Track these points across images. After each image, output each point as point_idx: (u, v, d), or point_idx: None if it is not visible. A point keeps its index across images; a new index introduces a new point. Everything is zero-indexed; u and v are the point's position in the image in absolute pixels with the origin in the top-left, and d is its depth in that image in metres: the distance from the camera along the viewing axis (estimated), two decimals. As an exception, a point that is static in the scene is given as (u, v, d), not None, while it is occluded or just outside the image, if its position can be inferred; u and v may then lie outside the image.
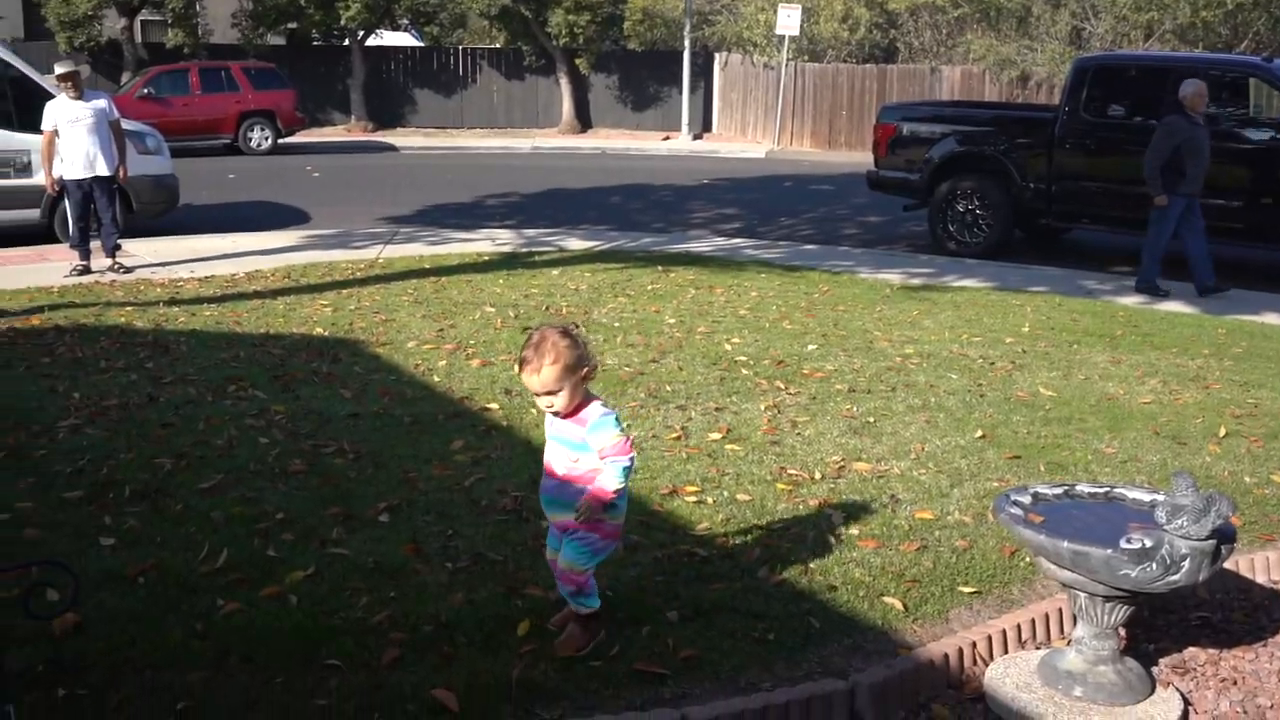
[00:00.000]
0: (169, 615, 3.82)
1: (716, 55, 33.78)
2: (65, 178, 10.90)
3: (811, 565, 4.37)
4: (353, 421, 6.03)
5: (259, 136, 25.72)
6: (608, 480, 3.57)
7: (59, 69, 10.90)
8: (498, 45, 35.91)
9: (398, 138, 30.40)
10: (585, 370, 3.58)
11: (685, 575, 4.25)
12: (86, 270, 10.87)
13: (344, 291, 9.89)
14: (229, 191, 18.48)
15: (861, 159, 24.24)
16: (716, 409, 6.41)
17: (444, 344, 7.85)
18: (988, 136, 13.61)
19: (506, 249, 12.61)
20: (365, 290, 9.94)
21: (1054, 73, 25.32)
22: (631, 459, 3.62)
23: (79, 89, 10.83)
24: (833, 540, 4.61)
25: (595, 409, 3.61)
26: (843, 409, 6.47)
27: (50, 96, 11.94)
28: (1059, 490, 3.84)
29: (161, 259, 11.71)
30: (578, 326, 4.27)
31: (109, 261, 11.04)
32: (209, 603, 3.92)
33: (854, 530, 4.72)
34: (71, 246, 11.17)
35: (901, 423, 6.24)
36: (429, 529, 4.62)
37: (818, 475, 5.36)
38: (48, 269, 11.03)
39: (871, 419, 6.30)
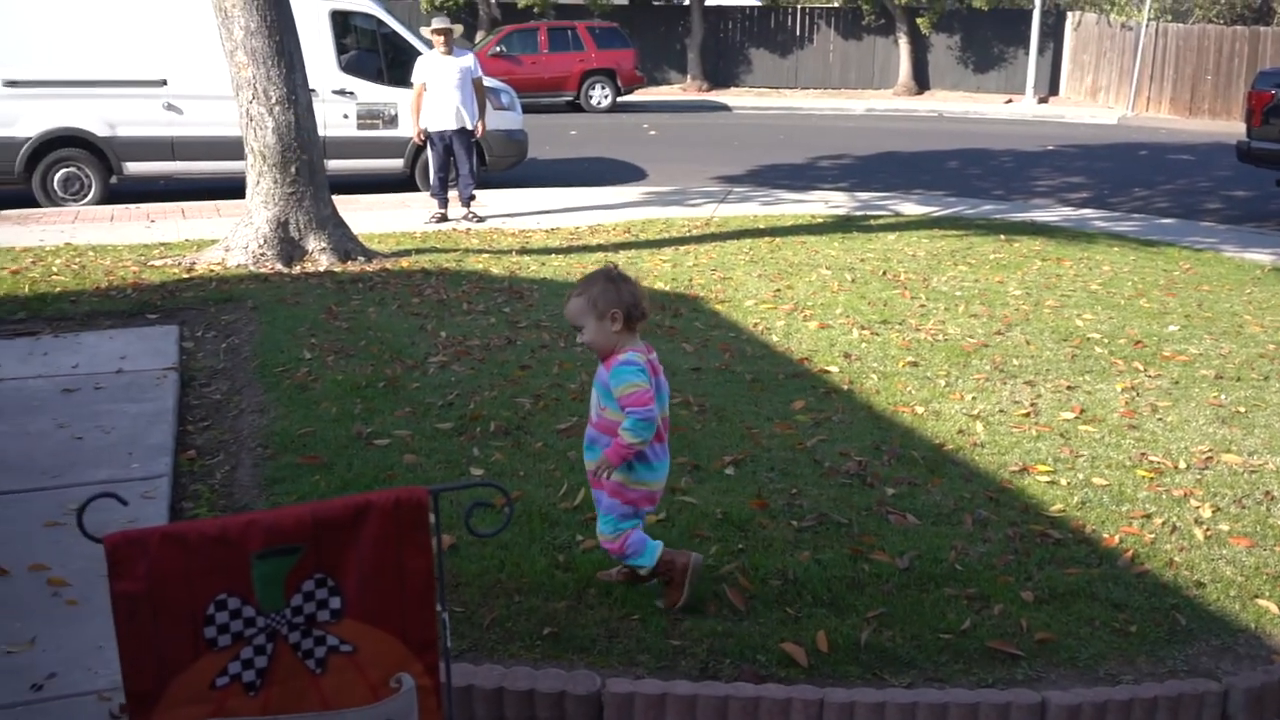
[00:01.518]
0: (533, 545, 4.05)
1: (1069, 14, 32.01)
2: (429, 129, 11.64)
3: (1176, 559, 4.11)
4: (695, 375, 6.16)
5: (599, 94, 26.58)
6: (625, 433, 3.46)
7: (435, 24, 11.60)
8: (835, 4, 35.40)
9: (731, 97, 30.66)
10: (612, 313, 3.47)
11: (1039, 556, 4.10)
12: (444, 218, 11.59)
13: (681, 248, 10.09)
14: (571, 147, 19.21)
15: (1226, 128, 22.42)
16: (1068, 387, 6.12)
17: (781, 304, 7.88)
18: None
19: (840, 211, 12.49)
20: (702, 247, 10.10)
21: None
22: (648, 412, 3.44)
23: (449, 46, 11.51)
24: (1200, 534, 4.32)
25: (623, 356, 3.52)
26: (1209, 396, 6.04)
27: (417, 53, 12.80)
28: None
29: (511, 210, 12.33)
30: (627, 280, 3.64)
31: (464, 211, 11.73)
32: (569, 537, 4.13)
33: (1224, 526, 4.41)
34: (431, 195, 11.93)
35: (1277, 415, 5.76)
36: (773, 485, 4.67)
37: (1182, 464, 5.03)
38: (409, 215, 11.84)
39: (1242, 409, 5.84)
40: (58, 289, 8.06)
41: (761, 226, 11.25)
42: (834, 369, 6.34)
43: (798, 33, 34.11)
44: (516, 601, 3.70)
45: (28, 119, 12.19)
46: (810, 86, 33.59)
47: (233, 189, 11.95)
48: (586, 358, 6.41)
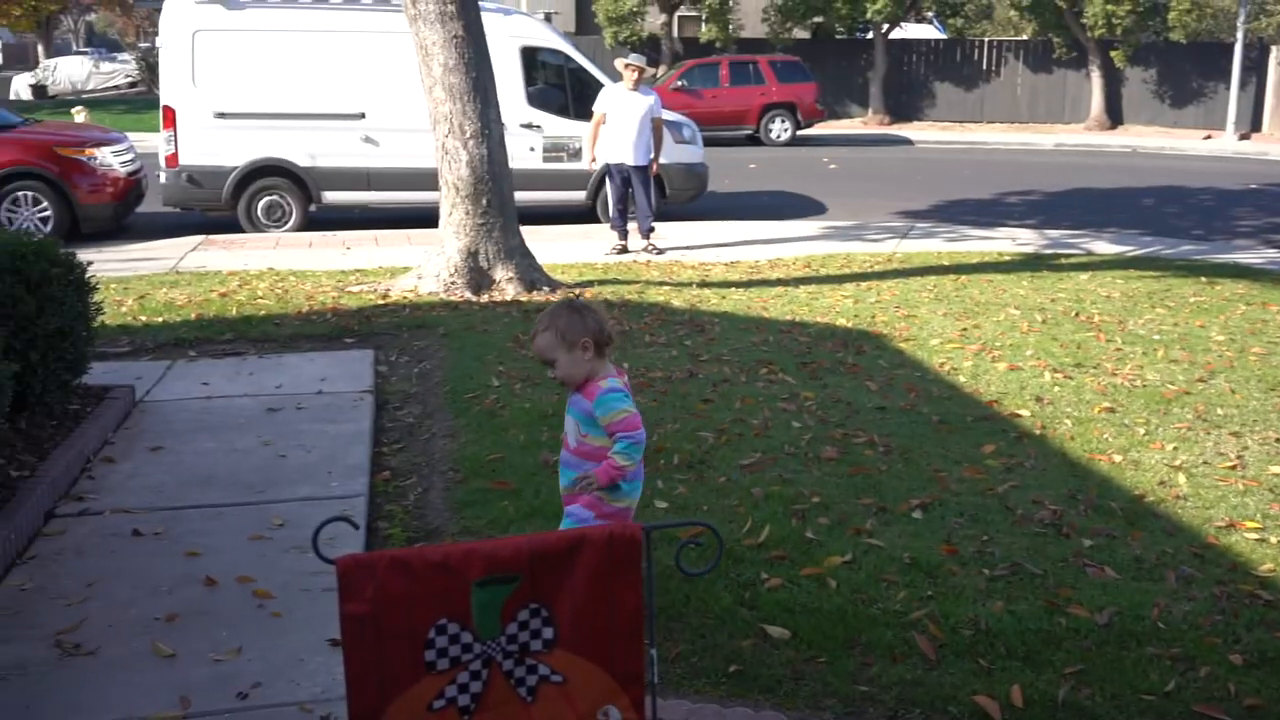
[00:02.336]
0: (718, 582, 4.04)
1: (1272, 49, 30.53)
2: (606, 161, 11.80)
3: (1405, 630, 3.84)
4: (880, 414, 6.07)
5: (779, 128, 26.58)
6: (617, 456, 3.43)
7: (631, 59, 11.77)
8: (1024, 36, 34.64)
9: (914, 130, 30.26)
10: (583, 341, 3.45)
11: (1248, 618, 3.89)
12: (624, 250, 11.74)
13: (863, 284, 9.98)
14: (750, 180, 19.24)
15: None
16: (1278, 439, 5.80)
17: (968, 344, 7.70)
18: None
19: (1029, 249, 12.16)
20: (884, 284, 9.97)
21: None
22: (640, 435, 3.45)
23: (638, 84, 11.68)
24: None
25: (603, 384, 3.50)
26: None
27: (601, 88, 13.05)
28: None
29: (690, 242, 12.42)
30: (616, 317, 3.91)
31: (644, 243, 11.85)
32: (754, 574, 4.11)
33: None
34: (611, 227, 12.10)
35: None
36: (962, 531, 4.55)
37: None
38: (590, 247, 12.03)
39: None
40: (262, 312, 8.48)
41: (946, 263, 11.04)
42: (1025, 412, 6.16)
43: (984, 65, 33.46)
44: (702, 638, 3.70)
45: (235, 149, 12.89)
46: (996, 120, 32.88)
47: (423, 219, 12.38)
48: (769, 393, 6.40)
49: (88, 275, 6.11)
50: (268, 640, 3.74)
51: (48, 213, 12.21)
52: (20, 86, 35.74)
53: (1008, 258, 11.54)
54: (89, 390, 6.17)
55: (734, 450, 5.43)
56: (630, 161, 11.61)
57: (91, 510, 4.85)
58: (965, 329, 8.16)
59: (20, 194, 12.20)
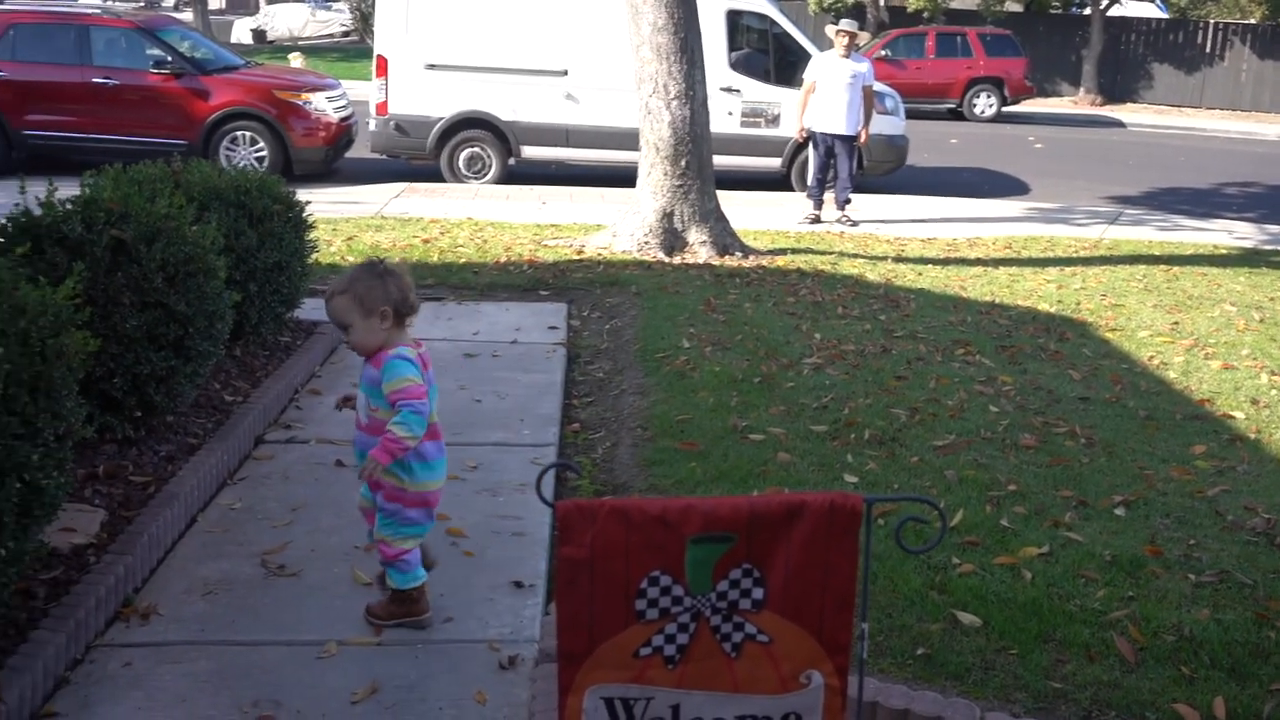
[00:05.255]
0: (907, 564, 3.96)
1: None
2: (812, 129, 11.65)
3: None
4: (1082, 405, 5.84)
5: (984, 103, 25.74)
6: (395, 429, 3.23)
7: (842, 24, 11.58)
8: (1252, 20, 32.63)
9: (1126, 113, 28.89)
10: (381, 309, 3.28)
11: None
12: (818, 220, 11.58)
13: (1067, 269, 9.61)
14: (950, 156, 18.72)
15: None
16: None
17: (1179, 339, 7.33)
18: None
19: (1247, 244, 11.49)
20: (1089, 270, 9.57)
21: None
22: (420, 405, 3.25)
23: (849, 50, 11.47)
24: None
25: (393, 351, 3.32)
26: None
27: (806, 55, 12.87)
28: None
29: (886, 216, 12.16)
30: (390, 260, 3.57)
31: (839, 214, 11.66)
32: (945, 559, 4.02)
33: None
34: (807, 195, 11.94)
35: None
36: (1168, 533, 4.35)
37: None
38: (783, 214, 11.89)
39: None
40: (462, 260, 8.69)
41: (1157, 253, 10.52)
42: (1239, 414, 5.84)
43: (1207, 48, 31.66)
44: (889, 617, 3.63)
45: (442, 100, 13.20)
46: (1217, 106, 31.11)
47: (617, 178, 12.48)
48: (965, 375, 6.23)
49: (305, 214, 6.36)
50: (459, 577, 3.85)
51: (263, 153, 12.75)
52: (241, 31, 37.40)
53: (1223, 251, 10.93)
54: (299, 324, 6.45)
55: (927, 430, 5.30)
56: (838, 130, 11.42)
57: (298, 439, 5.07)
58: (1176, 322, 7.77)
59: (239, 133, 12.78)
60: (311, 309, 6.69)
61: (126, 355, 4.37)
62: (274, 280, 5.92)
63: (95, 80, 12.57)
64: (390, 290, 3.33)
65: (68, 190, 4.57)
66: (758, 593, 1.90)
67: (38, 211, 4.38)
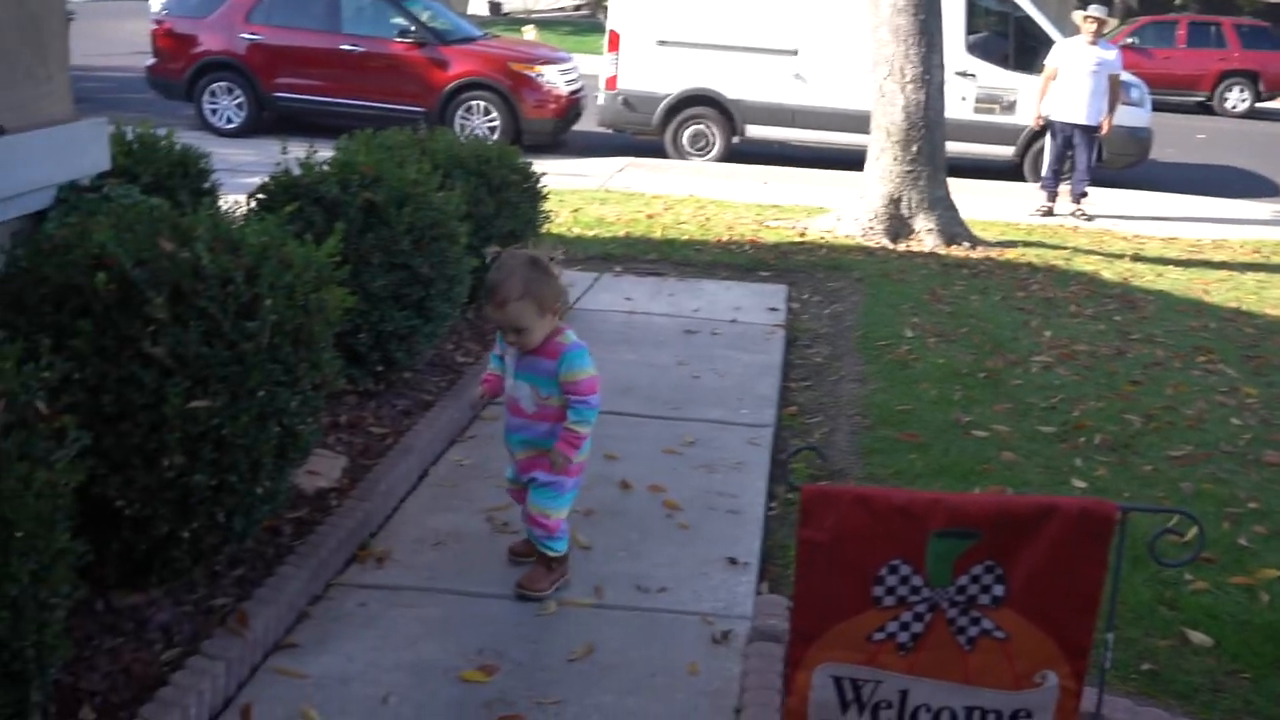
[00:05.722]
0: (1136, 574, 3.80)
1: None
2: (1051, 118, 11.22)
3: None
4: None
5: (1236, 97, 24.25)
6: (575, 424, 3.36)
7: (1091, 10, 11.11)
8: None
9: (1396, 113, 26.72)
10: (555, 306, 3.32)
11: None
12: (1050, 212, 11.17)
13: (1323, 278, 8.99)
14: (1196, 152, 17.72)
15: None
16: None
17: None
18: None
19: None
20: (1350, 280, 8.92)
21: None
22: (598, 399, 3.36)
23: (1097, 36, 11.00)
24: None
25: (568, 341, 3.38)
26: None
27: (1048, 40, 12.39)
28: None
29: (1123, 212, 11.63)
30: (558, 250, 3.59)
31: (1073, 207, 11.22)
32: (1177, 574, 3.84)
33: None
34: (1041, 186, 11.52)
35: None
36: None
37: None
38: (1012, 205, 11.51)
39: None
40: (684, 237, 8.77)
41: None
42: None
43: None
44: (1115, 629, 3.49)
45: (670, 77, 13.31)
46: None
47: (840, 160, 12.33)
48: (1205, 383, 5.93)
49: (540, 185, 6.53)
50: (674, 549, 3.91)
51: (496, 122, 13.14)
52: (478, 3, 38.62)
53: None
54: (527, 292, 6.63)
55: (1162, 439, 5.07)
56: (1079, 120, 10.98)
57: (524, 402, 5.22)
58: None
59: (474, 103, 13.20)
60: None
61: (373, 313, 4.59)
62: (509, 248, 6.09)
63: (343, 47, 13.20)
64: (559, 285, 3.40)
65: (312, 153, 4.83)
66: (998, 590, 1.88)
67: (296, 173, 4.66)
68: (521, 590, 3.56)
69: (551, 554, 3.60)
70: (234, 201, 4.65)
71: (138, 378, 2.93)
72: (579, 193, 10.53)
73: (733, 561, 3.85)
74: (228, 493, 3.14)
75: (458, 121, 13.09)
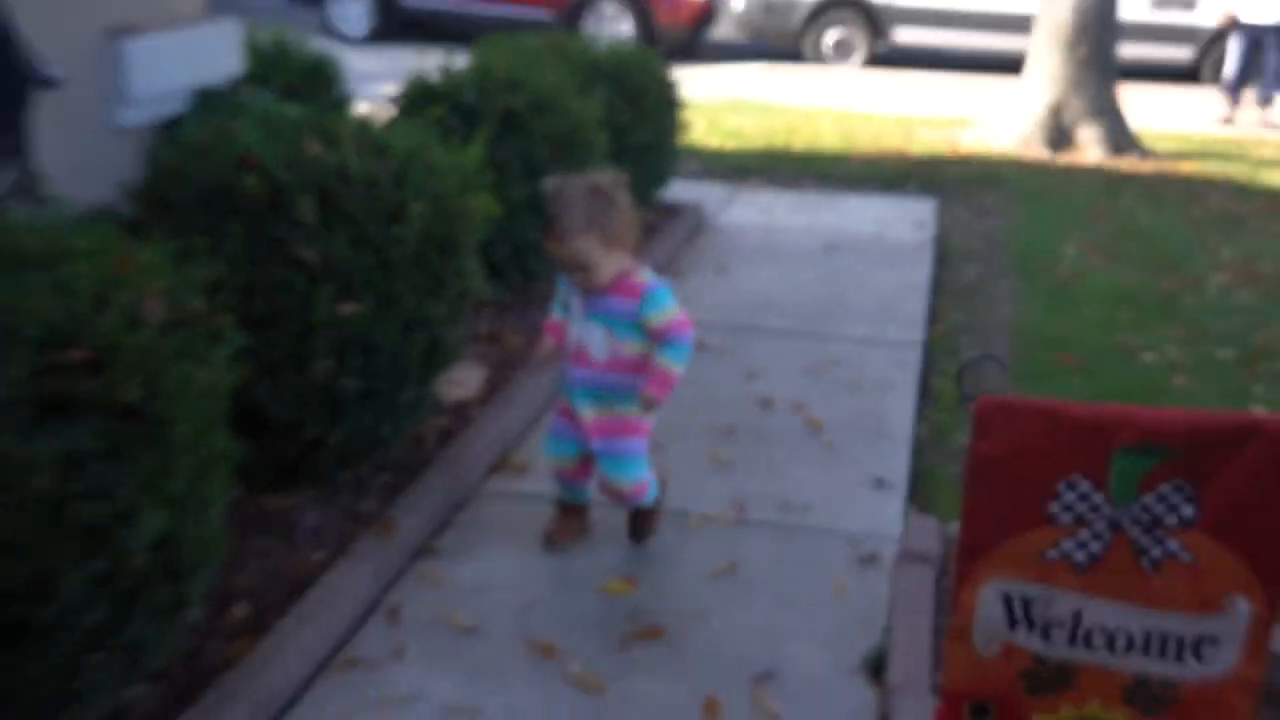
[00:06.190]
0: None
1: None
2: (1240, 19, 10.48)
3: None
4: None
5: None
6: (671, 363, 2.94)
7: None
8: None
9: None
10: (627, 238, 2.94)
11: None
12: (1231, 121, 10.51)
13: None
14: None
15: None
16: None
17: None
18: None
19: None
20: None
21: None
22: (693, 336, 2.98)
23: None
24: None
25: (647, 279, 3.00)
26: None
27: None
28: None
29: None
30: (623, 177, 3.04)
31: (1260, 114, 10.53)
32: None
33: None
34: (1223, 92, 10.81)
35: None
36: None
37: None
38: (1190, 113, 10.87)
39: None
40: (826, 148, 8.51)
41: None
42: None
43: None
44: None
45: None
46: None
47: (995, 66, 11.80)
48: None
49: (677, 94, 6.35)
50: (817, 468, 3.80)
51: (627, 28, 12.81)
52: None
53: None
54: (662, 205, 6.51)
55: (1354, 367, 4.74)
56: (1271, 20, 10.22)
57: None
58: None
59: (604, 8, 12.87)
60: (674, 191, 6.67)
61: (512, 223, 4.53)
62: (644, 159, 5.95)
63: (472, -47, 13.01)
64: (628, 216, 2.96)
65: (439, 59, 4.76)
66: (1187, 510, 1.74)
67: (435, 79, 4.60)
68: (639, 538, 3.30)
69: (648, 505, 3.26)
70: (367, 109, 4.63)
71: (288, 281, 2.92)
72: (714, 102, 10.30)
73: (880, 482, 3.72)
74: (375, 399, 3.12)
75: (588, 28, 12.88)
